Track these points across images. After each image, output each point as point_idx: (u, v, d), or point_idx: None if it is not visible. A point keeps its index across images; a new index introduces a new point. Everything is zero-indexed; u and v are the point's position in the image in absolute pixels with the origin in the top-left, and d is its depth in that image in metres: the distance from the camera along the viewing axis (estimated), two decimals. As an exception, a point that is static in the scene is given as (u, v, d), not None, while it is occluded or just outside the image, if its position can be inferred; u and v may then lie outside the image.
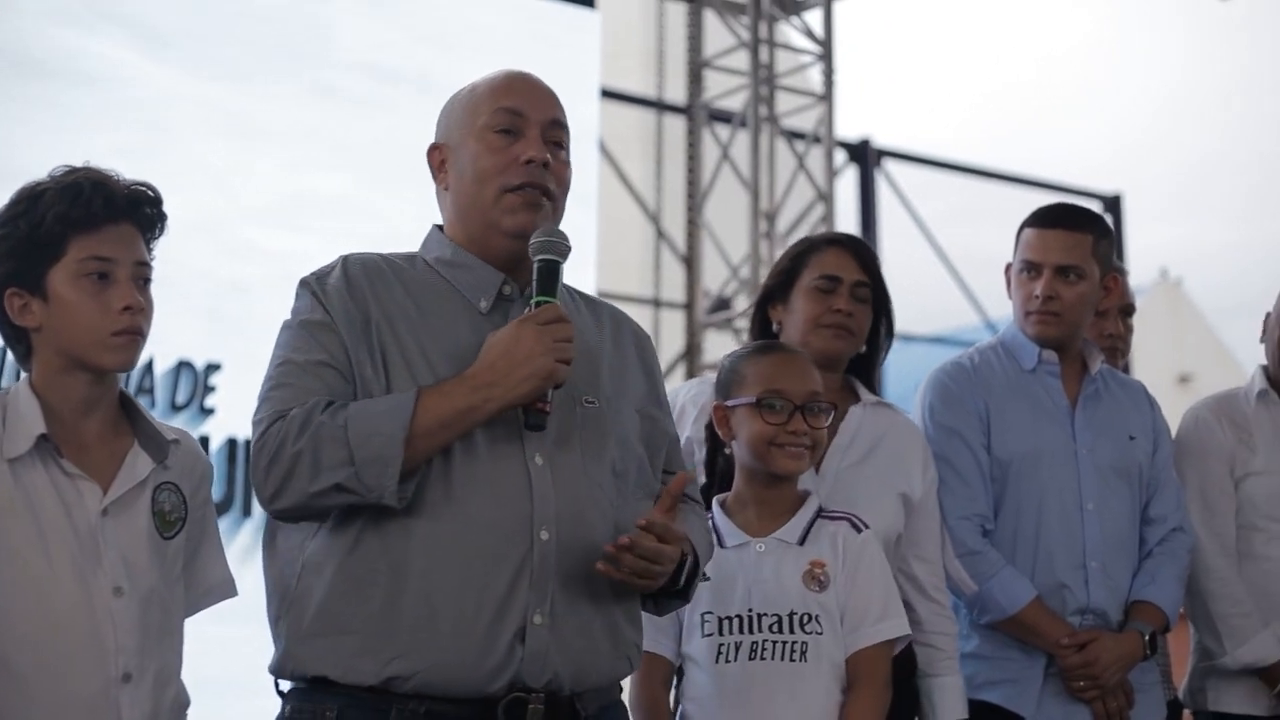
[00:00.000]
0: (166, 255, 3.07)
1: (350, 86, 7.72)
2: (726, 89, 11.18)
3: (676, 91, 11.83)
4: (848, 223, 11.88)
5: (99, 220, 2.95)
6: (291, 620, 2.82)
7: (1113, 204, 13.70)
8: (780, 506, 3.54)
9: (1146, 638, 4.05)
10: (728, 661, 3.40)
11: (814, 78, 11.41)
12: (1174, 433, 4.47)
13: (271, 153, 7.37)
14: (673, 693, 3.60)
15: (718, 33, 11.27)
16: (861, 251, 4.01)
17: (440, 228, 3.09)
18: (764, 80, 10.80)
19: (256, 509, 6.91)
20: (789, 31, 11.51)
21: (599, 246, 8.58)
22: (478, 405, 2.75)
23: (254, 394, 2.88)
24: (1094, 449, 4.15)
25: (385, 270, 2.96)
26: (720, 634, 3.41)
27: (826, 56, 10.99)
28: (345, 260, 2.97)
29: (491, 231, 2.96)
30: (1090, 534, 4.08)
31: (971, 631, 4.10)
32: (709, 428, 3.68)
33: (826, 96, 10.96)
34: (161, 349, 6.64)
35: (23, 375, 3.03)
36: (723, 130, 11.21)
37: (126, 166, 3.06)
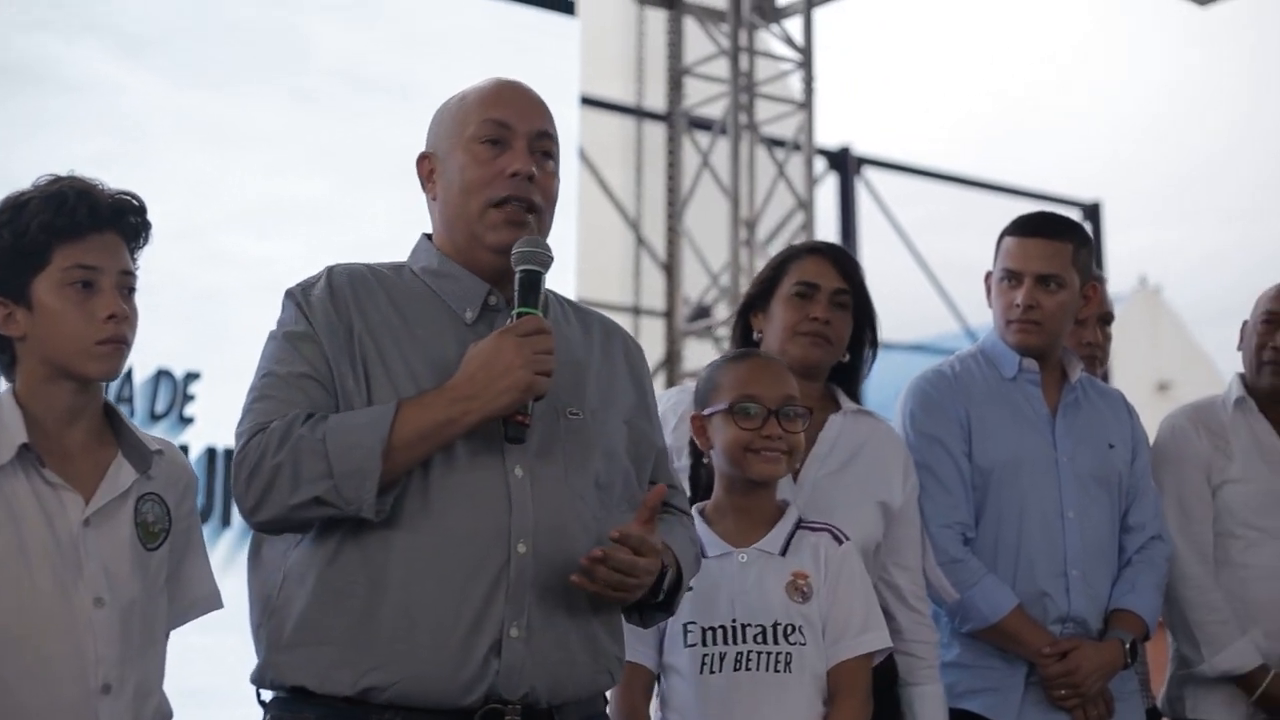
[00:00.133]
0: (146, 263, 3.07)
1: (329, 93, 7.71)
2: (706, 96, 11.19)
3: (656, 99, 11.84)
4: (828, 230, 11.90)
5: (83, 229, 2.95)
6: (272, 630, 2.82)
7: (1092, 211, 13.73)
8: (760, 516, 3.54)
9: (1127, 646, 4.06)
10: (712, 672, 3.39)
11: (794, 85, 11.43)
12: (1152, 440, 4.48)
13: (250, 160, 7.35)
14: (651, 702, 3.60)
15: (698, 40, 11.28)
16: (842, 259, 4.01)
17: (429, 237, 3.08)
18: (744, 88, 10.81)
19: (236, 519, 6.89)
20: (769, 39, 11.52)
21: (579, 254, 8.59)
22: (457, 417, 2.74)
23: (234, 403, 2.87)
24: (1074, 457, 4.16)
25: (371, 281, 2.96)
26: (704, 644, 3.41)
27: (806, 64, 11.01)
28: (331, 271, 2.96)
29: (476, 244, 2.95)
30: (1071, 542, 4.09)
31: (953, 640, 4.11)
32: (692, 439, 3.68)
33: (806, 104, 10.97)
34: (140, 358, 6.60)
35: (5, 385, 3.02)
36: (703, 138, 11.23)
37: (105, 174, 3.06)
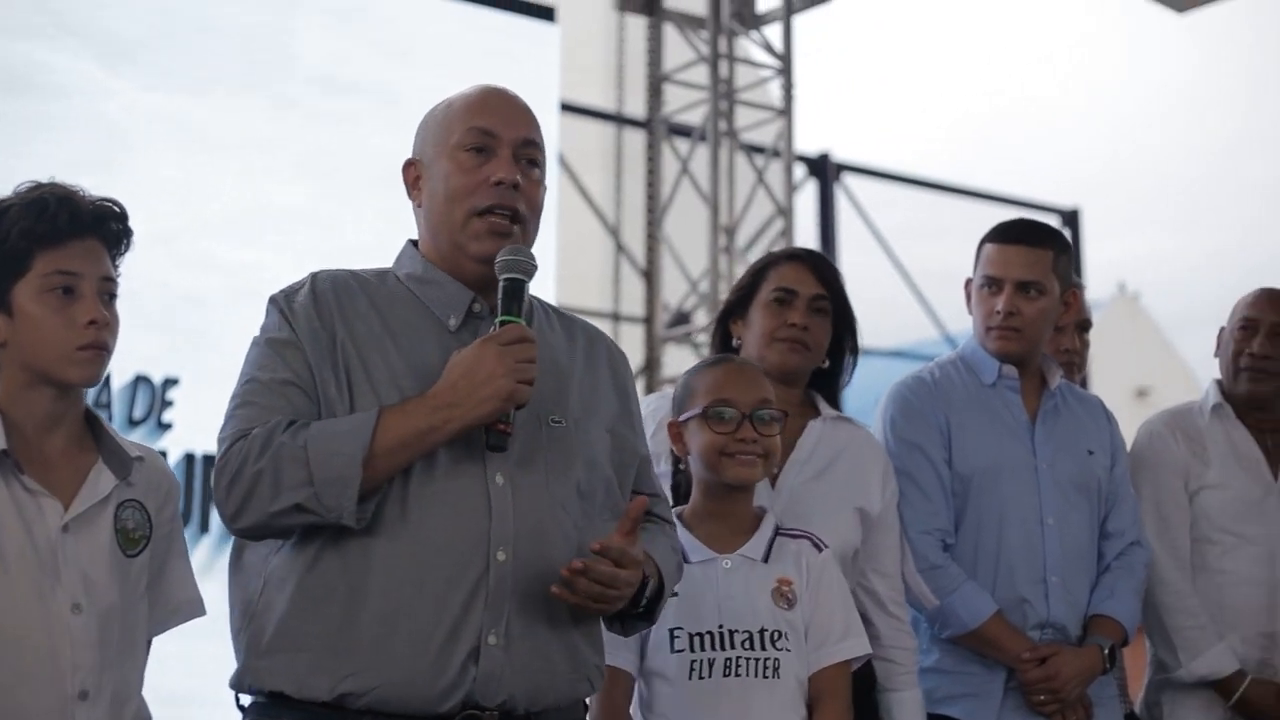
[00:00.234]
0: (125, 268, 3.07)
1: (310, 99, 7.70)
2: (686, 103, 11.19)
3: (636, 105, 11.83)
4: (807, 237, 11.90)
5: (64, 235, 2.95)
6: (252, 635, 2.82)
7: (1071, 218, 13.76)
8: (739, 523, 3.54)
9: (1106, 651, 4.07)
10: (701, 678, 3.38)
11: (773, 92, 11.43)
12: (1129, 446, 4.50)
13: (230, 165, 7.34)
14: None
15: (677, 47, 11.28)
16: (820, 266, 4.01)
17: (414, 243, 3.08)
18: (723, 94, 10.81)
19: (214, 525, 6.88)
20: (748, 46, 11.53)
21: (558, 260, 8.59)
22: (438, 425, 2.74)
23: (212, 408, 2.88)
24: (1054, 464, 4.17)
25: (354, 287, 2.95)
26: (692, 650, 3.40)
27: (786, 71, 11.01)
28: (315, 277, 2.96)
29: (460, 252, 2.95)
30: (1050, 548, 4.10)
31: (932, 645, 4.11)
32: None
33: (786, 111, 10.97)
34: (119, 363, 6.58)
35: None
36: (682, 144, 11.23)
37: (85, 179, 3.06)
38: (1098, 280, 25.77)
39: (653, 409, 3.92)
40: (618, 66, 12.29)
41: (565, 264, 9.36)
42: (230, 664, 2.87)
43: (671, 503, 3.53)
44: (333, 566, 2.76)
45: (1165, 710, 4.49)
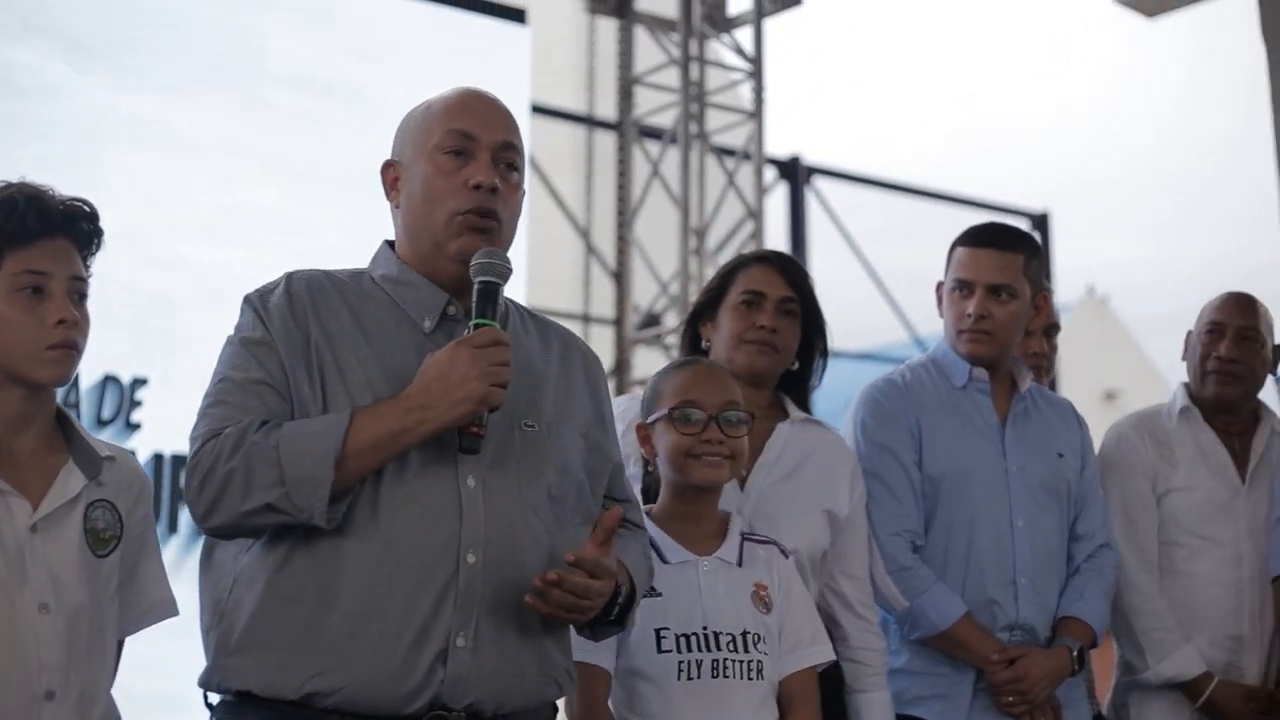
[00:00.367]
0: (94, 268, 3.06)
1: (280, 100, 7.69)
2: (657, 105, 11.20)
3: (607, 108, 11.84)
4: (777, 239, 11.92)
5: (33, 235, 2.94)
6: (221, 633, 2.81)
7: (1040, 222, 13.79)
8: (709, 525, 3.54)
9: (1074, 653, 4.08)
10: (690, 678, 3.36)
11: (744, 95, 11.46)
12: (1097, 449, 4.51)
13: (200, 165, 7.33)
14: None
15: (648, 49, 11.29)
16: (789, 268, 4.01)
17: (391, 244, 3.07)
18: (694, 97, 10.82)
19: (183, 525, 6.87)
20: (719, 49, 11.55)
21: (529, 261, 8.59)
22: (410, 427, 2.74)
23: (181, 409, 2.87)
24: (1024, 466, 4.18)
25: (329, 288, 2.95)
26: (679, 651, 3.39)
27: (756, 74, 11.02)
28: (290, 277, 2.95)
29: (438, 253, 2.94)
30: (1020, 550, 4.10)
31: (902, 647, 4.12)
32: None
33: (756, 114, 10.99)
34: (87, 363, 6.56)
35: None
36: (653, 146, 11.23)
37: (53, 178, 3.05)
38: (1067, 284, 25.86)
39: (622, 410, 3.92)
40: (588, 69, 12.30)
41: (535, 265, 9.36)
42: (200, 664, 2.86)
43: (644, 504, 3.53)
44: (303, 566, 2.75)
45: (1132, 712, 4.51)
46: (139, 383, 6.95)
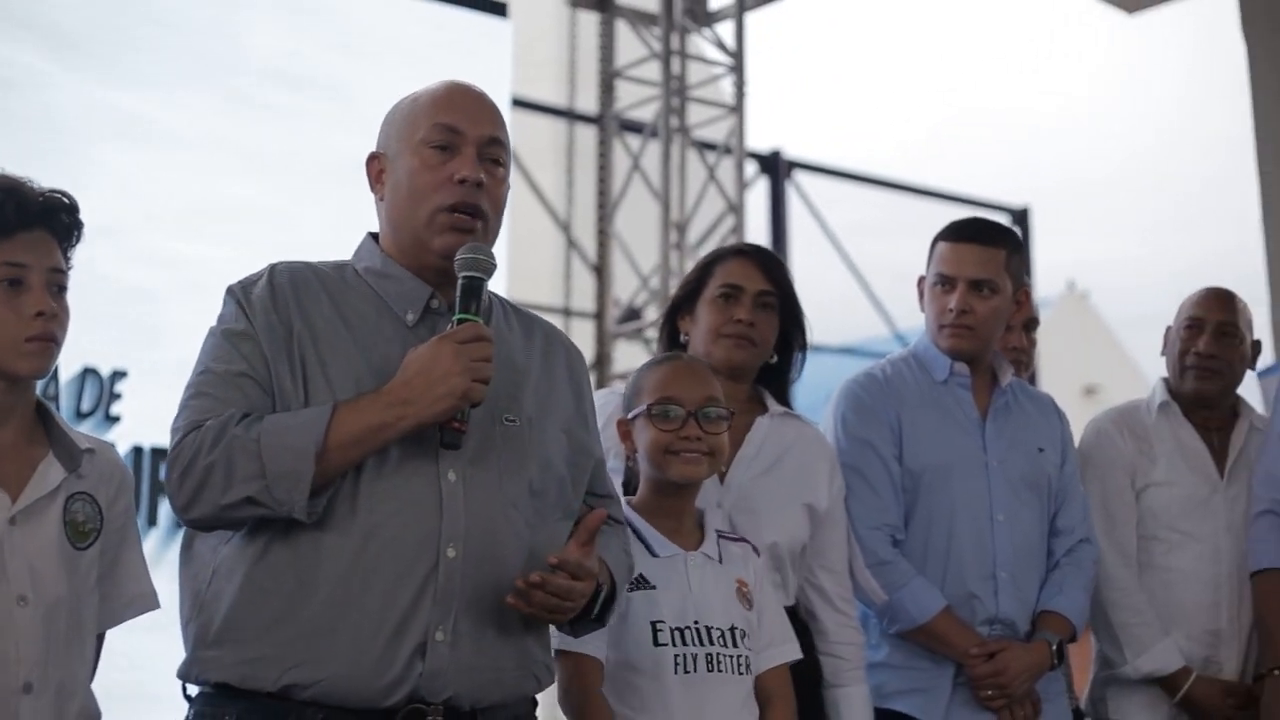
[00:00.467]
0: (74, 260, 3.06)
1: (260, 93, 7.65)
2: (638, 99, 11.19)
3: (588, 101, 11.83)
4: (758, 234, 11.91)
5: (11, 227, 2.94)
6: (200, 625, 2.81)
7: (1021, 217, 13.79)
8: (689, 522, 3.54)
9: (1054, 647, 4.09)
10: (687, 672, 3.36)
11: (725, 89, 11.45)
12: (1077, 443, 4.52)
13: (180, 159, 7.29)
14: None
15: (629, 43, 11.28)
16: (767, 261, 4.01)
17: (375, 236, 3.07)
18: (675, 91, 10.81)
19: (162, 518, 6.85)
20: (700, 43, 11.53)
21: (509, 255, 8.58)
22: (391, 422, 2.74)
23: (161, 402, 2.87)
24: (1004, 461, 4.18)
25: (312, 280, 2.94)
26: (674, 644, 3.38)
27: (738, 68, 11.02)
28: (273, 270, 2.95)
29: (422, 247, 2.94)
30: (1000, 545, 4.11)
31: (881, 641, 4.13)
32: None
33: (738, 108, 10.98)
34: (66, 355, 6.54)
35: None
36: (634, 140, 11.22)
37: (33, 171, 3.04)
38: (1047, 279, 25.87)
39: (600, 404, 3.92)
40: (570, 62, 12.29)
41: (516, 259, 9.36)
42: (179, 658, 2.86)
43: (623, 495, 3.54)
44: (282, 558, 2.75)
45: (1110, 706, 4.52)
46: (118, 375, 6.92)
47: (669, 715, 3.35)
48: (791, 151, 12.74)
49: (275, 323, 2.85)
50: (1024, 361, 4.79)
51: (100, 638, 3.12)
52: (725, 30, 11.15)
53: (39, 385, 3.10)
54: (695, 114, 11.03)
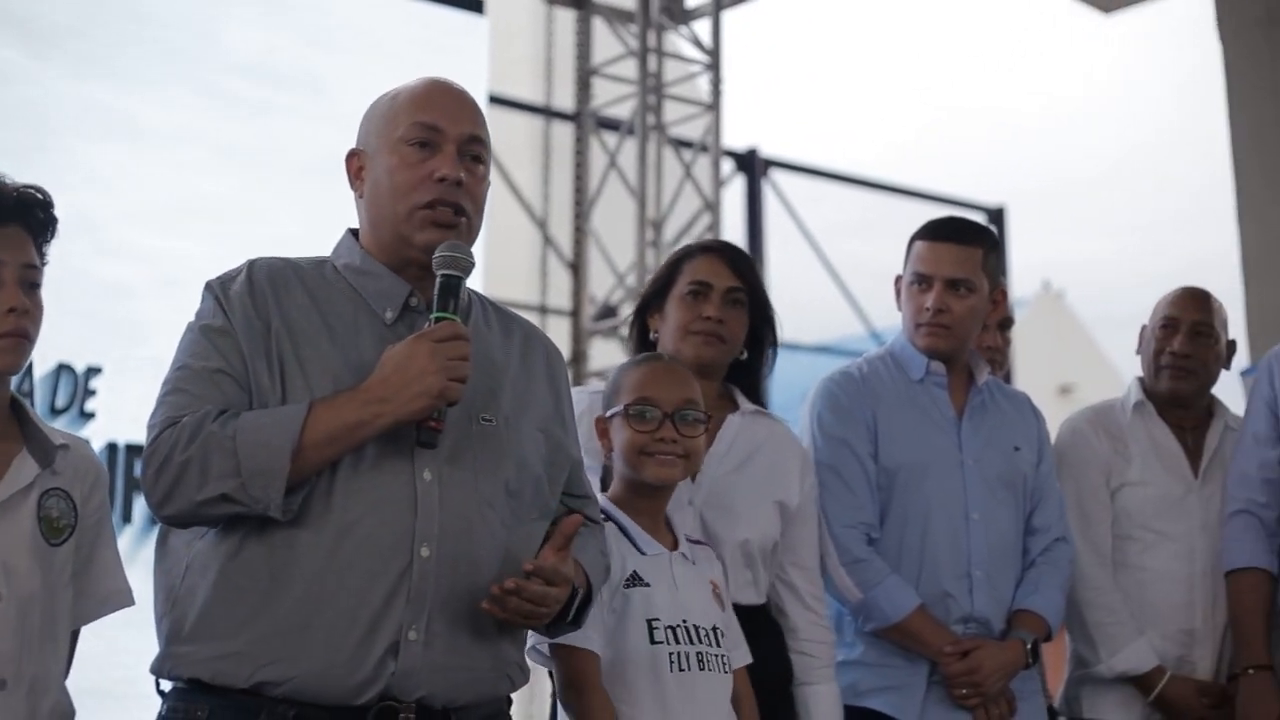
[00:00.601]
0: (49, 256, 3.04)
1: (236, 89, 7.65)
2: (614, 97, 11.18)
3: (564, 99, 11.82)
4: (734, 232, 11.92)
5: (-15, 222, 2.93)
6: (173, 621, 2.81)
7: (996, 216, 13.81)
8: (663, 522, 3.55)
9: (1029, 646, 4.09)
10: (682, 669, 3.37)
11: (702, 87, 11.44)
12: (1052, 442, 4.53)
13: (155, 154, 7.28)
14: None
15: (606, 41, 11.28)
16: (735, 258, 3.99)
17: (355, 232, 3.06)
18: (652, 89, 10.81)
19: (137, 514, 6.84)
20: (677, 41, 11.53)
21: (486, 252, 8.57)
22: (368, 420, 2.74)
23: (135, 398, 2.87)
24: (980, 459, 4.19)
25: (291, 277, 2.94)
26: (669, 642, 3.38)
27: (714, 66, 11.01)
28: (252, 266, 2.94)
29: (403, 245, 2.94)
30: (975, 543, 4.12)
31: (856, 639, 4.13)
32: None
33: (714, 106, 10.98)
34: (41, 351, 6.52)
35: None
36: (610, 138, 11.22)
37: (8, 165, 3.04)
38: (1022, 278, 25.96)
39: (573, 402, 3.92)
40: (546, 59, 12.26)
41: (492, 256, 9.33)
42: (153, 655, 2.85)
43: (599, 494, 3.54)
44: (256, 555, 2.75)
45: (1085, 705, 4.53)
46: (93, 371, 6.91)
47: (666, 712, 3.36)
48: (768, 150, 12.75)
49: (253, 319, 2.85)
50: (998, 361, 4.80)
51: (74, 634, 3.11)
52: (702, 28, 11.16)
53: (14, 381, 3.09)
54: (672, 112, 11.03)
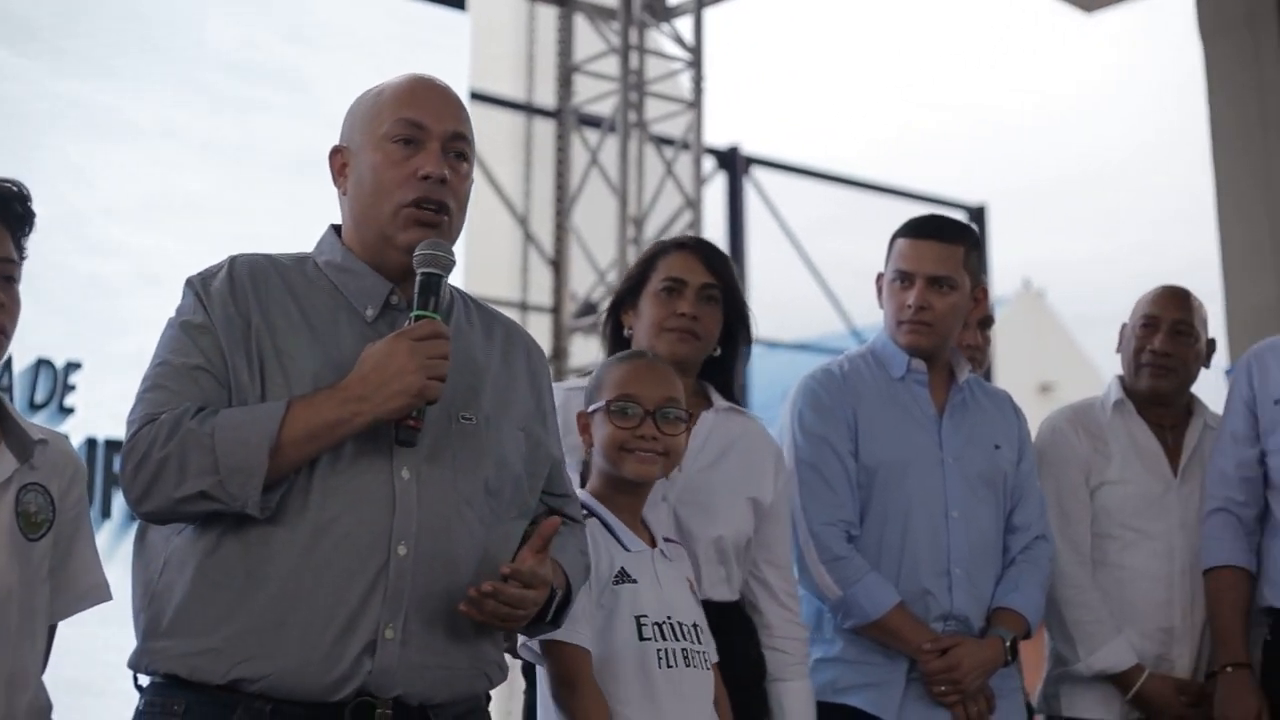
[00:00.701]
0: (28, 251, 3.03)
1: (218, 85, 7.63)
2: (596, 94, 11.17)
3: (546, 95, 11.81)
4: (715, 229, 11.91)
5: (-39, 217, 2.92)
6: (150, 616, 2.80)
7: (977, 215, 13.82)
8: (639, 519, 3.55)
9: (1008, 643, 4.10)
10: (670, 666, 3.38)
11: (683, 84, 11.45)
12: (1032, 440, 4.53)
13: (135, 149, 7.26)
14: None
15: (588, 38, 11.27)
16: (710, 254, 3.99)
17: (337, 229, 3.05)
18: (634, 86, 10.81)
19: (116, 510, 6.82)
20: (659, 38, 11.53)
21: (467, 248, 8.55)
22: (346, 419, 2.74)
23: (114, 393, 2.86)
24: (960, 457, 4.20)
25: (272, 274, 2.93)
26: (657, 639, 3.39)
27: (696, 63, 11.01)
28: (233, 262, 2.93)
29: (386, 243, 2.93)
30: (955, 541, 4.13)
31: (835, 636, 4.13)
32: None
33: (696, 103, 10.98)
34: (20, 346, 6.52)
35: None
36: (592, 135, 11.21)
37: (-13, 160, 3.02)
38: (1003, 276, 25.97)
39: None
40: (528, 56, 12.26)
41: (473, 252, 9.32)
42: (130, 650, 2.85)
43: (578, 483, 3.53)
44: (233, 552, 2.74)
45: (1063, 703, 4.54)
46: (73, 367, 6.89)
47: (656, 708, 3.36)
48: (749, 147, 12.75)
49: (234, 316, 2.84)
50: (979, 359, 4.81)
51: (52, 629, 3.10)
52: (684, 25, 11.15)
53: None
54: (653, 109, 11.03)
